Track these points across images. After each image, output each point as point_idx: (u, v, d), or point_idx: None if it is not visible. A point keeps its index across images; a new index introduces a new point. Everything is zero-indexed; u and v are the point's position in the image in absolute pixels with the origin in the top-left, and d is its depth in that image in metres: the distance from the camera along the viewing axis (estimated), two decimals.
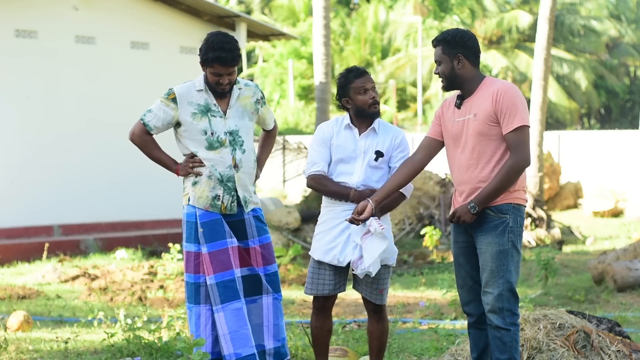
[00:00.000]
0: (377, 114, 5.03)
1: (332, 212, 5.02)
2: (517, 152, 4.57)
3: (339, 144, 5.02)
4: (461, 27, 4.95)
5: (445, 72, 4.73)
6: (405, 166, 4.87)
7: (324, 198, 5.11)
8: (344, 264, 4.97)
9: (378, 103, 5.01)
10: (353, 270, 4.94)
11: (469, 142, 4.69)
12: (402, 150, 5.07)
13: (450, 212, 4.76)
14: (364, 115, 5.01)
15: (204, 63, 5.05)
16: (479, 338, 4.88)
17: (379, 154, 4.99)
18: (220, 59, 4.99)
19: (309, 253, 5.14)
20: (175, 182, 6.42)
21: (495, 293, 4.64)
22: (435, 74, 4.82)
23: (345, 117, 5.09)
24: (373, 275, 4.92)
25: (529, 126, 4.61)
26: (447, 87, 4.78)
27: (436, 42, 4.76)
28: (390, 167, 5.07)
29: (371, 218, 4.79)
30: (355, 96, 4.98)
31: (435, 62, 4.77)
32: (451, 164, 4.84)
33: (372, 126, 5.03)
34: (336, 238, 4.98)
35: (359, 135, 5.02)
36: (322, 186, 5.00)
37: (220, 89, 5.09)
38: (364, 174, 4.98)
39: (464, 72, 4.71)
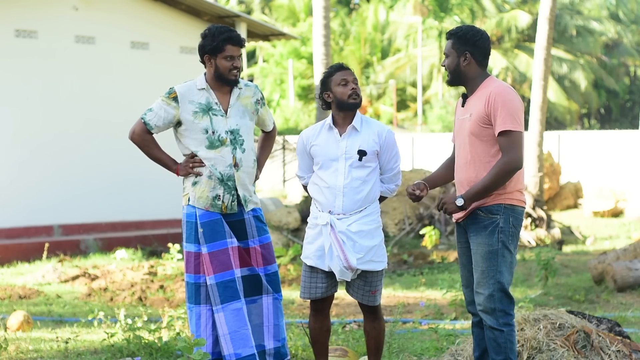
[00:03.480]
0: (357, 105, 5.00)
1: (316, 219, 5.03)
2: (508, 154, 4.55)
3: (319, 147, 5.03)
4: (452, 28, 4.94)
5: (450, 66, 4.74)
6: (447, 162, 5.01)
7: (311, 203, 5.14)
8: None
9: (358, 95, 5.00)
10: (339, 277, 4.97)
11: (465, 142, 4.71)
12: (391, 158, 5.04)
13: (439, 200, 4.76)
14: (344, 108, 4.99)
15: (213, 52, 5.06)
16: (482, 337, 4.87)
17: (361, 154, 4.97)
18: (232, 39, 5.05)
19: (301, 258, 5.15)
20: (175, 182, 6.42)
21: (485, 294, 4.63)
22: (442, 66, 4.83)
23: (328, 118, 5.09)
24: (358, 268, 4.94)
25: (521, 131, 4.56)
26: (451, 82, 4.80)
27: (449, 35, 4.78)
28: (381, 174, 5.07)
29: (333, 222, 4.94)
30: (336, 88, 4.99)
31: (444, 54, 4.78)
32: (455, 163, 4.86)
33: (352, 124, 5.00)
34: (323, 245, 4.99)
35: (340, 136, 5.01)
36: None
37: (233, 76, 5.09)
38: (348, 174, 4.96)
39: (468, 70, 4.71)
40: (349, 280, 5.00)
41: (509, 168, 4.55)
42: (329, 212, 4.96)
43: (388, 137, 5.04)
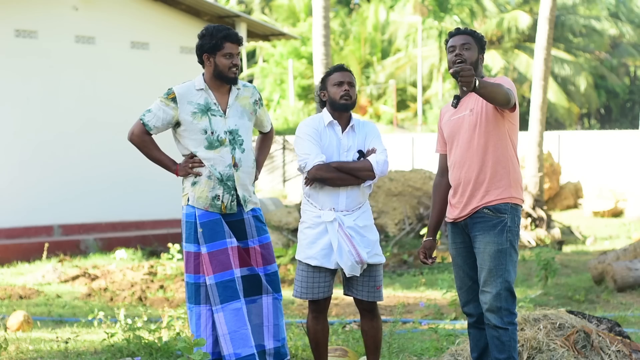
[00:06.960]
0: (347, 107, 5.05)
1: (318, 218, 5.01)
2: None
3: (324, 141, 5.06)
4: (461, 27, 4.96)
5: (471, 59, 4.72)
6: (438, 192, 4.96)
7: (303, 201, 5.12)
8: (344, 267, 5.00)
9: (350, 97, 5.06)
10: (349, 272, 4.96)
11: (464, 138, 4.72)
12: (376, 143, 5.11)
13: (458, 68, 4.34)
14: (335, 108, 5.07)
15: (212, 50, 5.07)
16: (479, 338, 4.88)
17: (361, 154, 5.06)
18: (230, 36, 5.08)
19: (297, 257, 5.10)
20: (175, 182, 6.42)
21: (493, 292, 4.65)
22: (455, 56, 4.70)
23: (324, 115, 5.12)
24: (365, 263, 4.97)
25: (514, 95, 4.55)
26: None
27: (466, 31, 4.77)
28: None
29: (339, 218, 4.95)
30: (330, 88, 5.08)
31: (465, 46, 4.71)
32: (449, 164, 4.85)
33: (351, 124, 5.09)
34: (330, 243, 4.98)
35: (342, 132, 5.08)
36: (330, 172, 4.95)
37: (232, 74, 5.11)
38: None
39: (479, 68, 4.78)
40: (358, 274, 5.00)
41: (504, 92, 4.46)
42: (332, 209, 4.99)
43: (373, 127, 5.17)
